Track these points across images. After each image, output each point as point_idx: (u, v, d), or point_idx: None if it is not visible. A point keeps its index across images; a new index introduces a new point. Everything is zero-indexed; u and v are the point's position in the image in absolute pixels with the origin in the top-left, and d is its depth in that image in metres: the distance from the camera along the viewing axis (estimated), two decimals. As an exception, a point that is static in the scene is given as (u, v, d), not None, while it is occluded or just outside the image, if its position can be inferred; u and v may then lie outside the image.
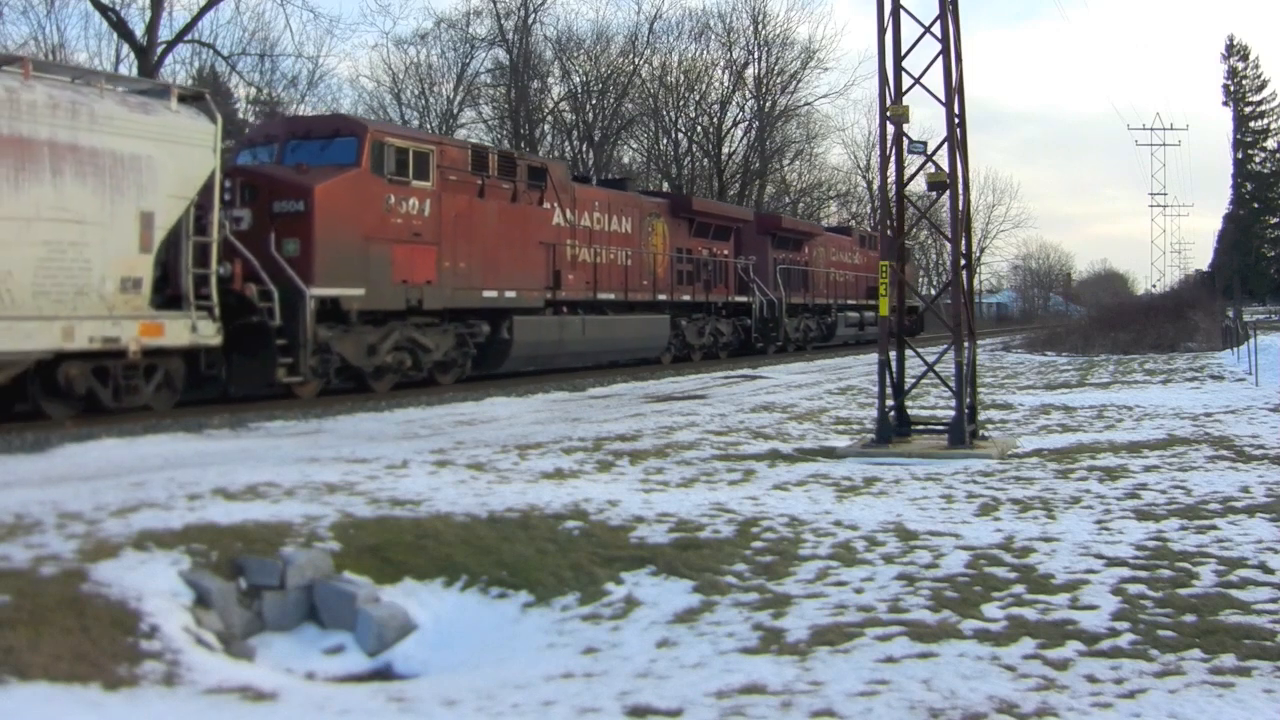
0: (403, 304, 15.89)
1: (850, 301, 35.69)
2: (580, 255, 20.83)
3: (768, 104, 50.28)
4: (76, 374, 11.85)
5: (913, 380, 12.07)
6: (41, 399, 11.86)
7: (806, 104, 52.20)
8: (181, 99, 13.03)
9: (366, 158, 15.25)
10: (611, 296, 21.81)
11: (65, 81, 11.98)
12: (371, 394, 15.43)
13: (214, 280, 13.05)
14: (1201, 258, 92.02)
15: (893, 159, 11.43)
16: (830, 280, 34.53)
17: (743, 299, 28.05)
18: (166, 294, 12.78)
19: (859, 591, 5.81)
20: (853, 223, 49.13)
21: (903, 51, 11.30)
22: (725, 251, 27.38)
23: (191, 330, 12.68)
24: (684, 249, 25.23)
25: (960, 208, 11.12)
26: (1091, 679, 4.48)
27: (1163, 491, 8.40)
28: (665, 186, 40.31)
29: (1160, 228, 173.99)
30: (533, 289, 18.77)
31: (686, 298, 25.18)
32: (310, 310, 13.94)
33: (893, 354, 11.50)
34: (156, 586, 5.43)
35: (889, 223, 11.95)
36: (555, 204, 19.82)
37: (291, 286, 13.81)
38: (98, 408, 12.10)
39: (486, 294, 17.61)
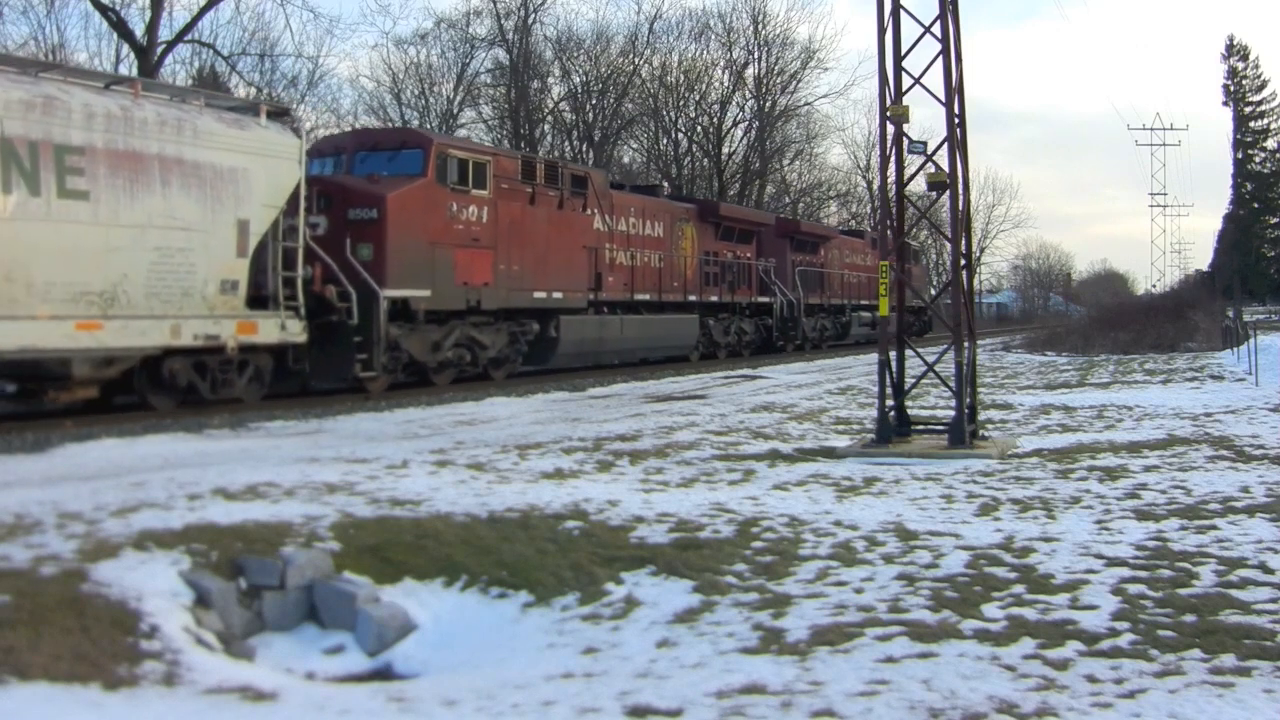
0: (463, 304, 17.07)
1: (864, 302, 36.17)
2: (618, 258, 22.05)
3: (768, 104, 50.28)
4: (179, 368, 12.95)
5: (913, 380, 12.07)
6: (148, 391, 12.93)
7: (806, 104, 52.23)
8: (269, 114, 14.14)
9: (432, 168, 16.37)
10: (646, 297, 23.01)
11: (165, 99, 13.03)
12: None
13: (300, 283, 14.13)
14: (1201, 258, 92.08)
15: (893, 159, 11.43)
16: (844, 281, 35.40)
17: (764, 299, 29.34)
18: (254, 295, 13.72)
19: (859, 591, 5.81)
20: (865, 226, 49.36)
21: (903, 51, 11.30)
22: (748, 254, 28.58)
23: (281, 329, 13.79)
24: (711, 252, 26.41)
25: (960, 208, 11.12)
26: (1091, 679, 4.48)
27: (1163, 491, 8.40)
28: (665, 186, 40.59)
29: (1160, 228, 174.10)
30: (577, 290, 19.97)
31: (714, 298, 26.40)
32: (384, 310, 15.02)
33: (893, 354, 11.50)
34: (156, 586, 5.43)
35: (889, 223, 11.95)
36: (596, 210, 21.05)
37: (366, 288, 14.79)
38: (197, 399, 13.18)
39: (536, 295, 18.78)
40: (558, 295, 19.28)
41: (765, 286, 29.41)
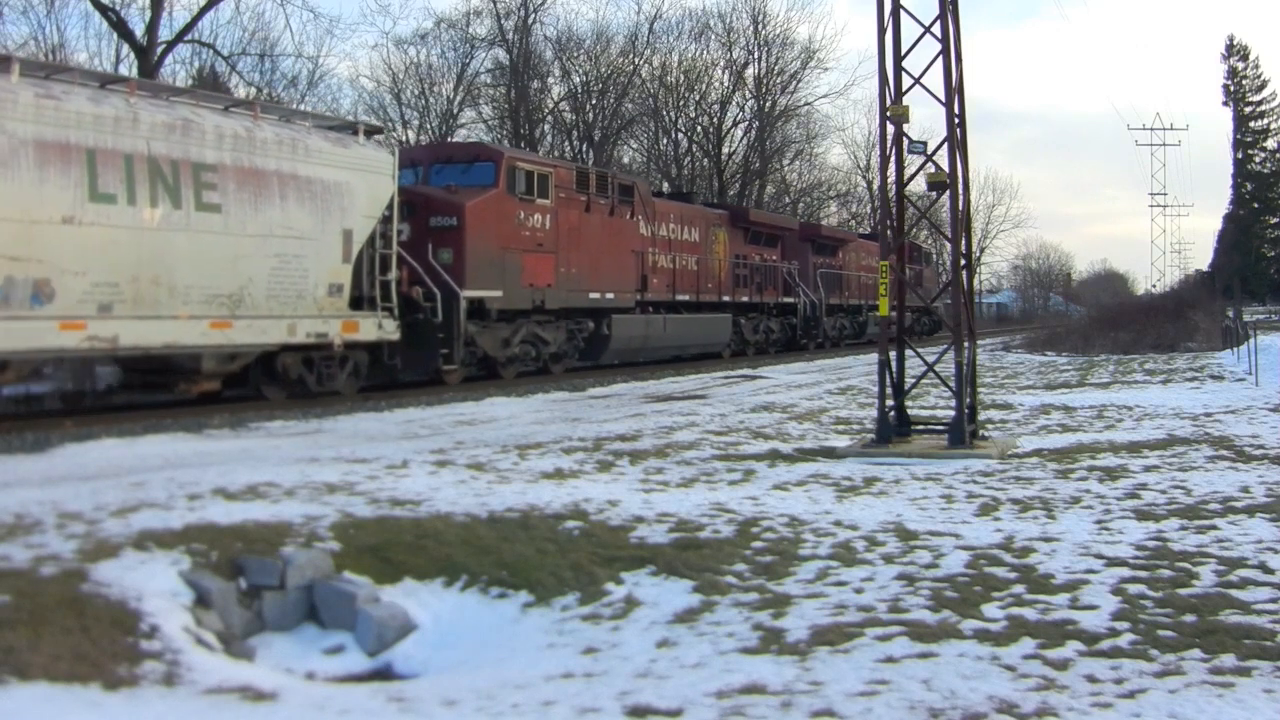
0: (529, 304, 18.69)
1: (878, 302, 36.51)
2: (660, 262, 23.58)
3: (768, 104, 50.25)
4: (291, 363, 14.45)
5: (913, 380, 12.07)
6: (262, 384, 14.44)
7: (806, 104, 52.18)
8: (365, 133, 15.79)
9: (503, 179, 17.99)
10: (686, 298, 24.61)
11: (276, 119, 14.46)
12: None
13: (394, 286, 15.54)
14: (1201, 258, 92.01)
15: (893, 159, 11.43)
16: (861, 283, 36.29)
17: (789, 300, 30.97)
18: (353, 296, 15.00)
19: (859, 591, 5.81)
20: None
21: (903, 51, 11.30)
22: (774, 257, 30.18)
23: (379, 327, 15.24)
24: (741, 255, 27.89)
25: (960, 208, 11.12)
26: (1091, 679, 4.48)
27: (1163, 491, 8.39)
28: (665, 187, 40.71)
29: (1160, 228, 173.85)
30: (625, 291, 21.71)
31: (744, 299, 28.01)
32: (463, 309, 16.52)
33: (893, 354, 11.49)
34: (156, 586, 5.43)
35: (889, 223, 11.95)
36: (641, 216, 22.67)
37: (447, 289, 16.25)
38: (304, 392, 14.61)
39: (592, 295, 20.46)
40: (610, 296, 20.98)
41: (789, 288, 31.02)
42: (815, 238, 33.46)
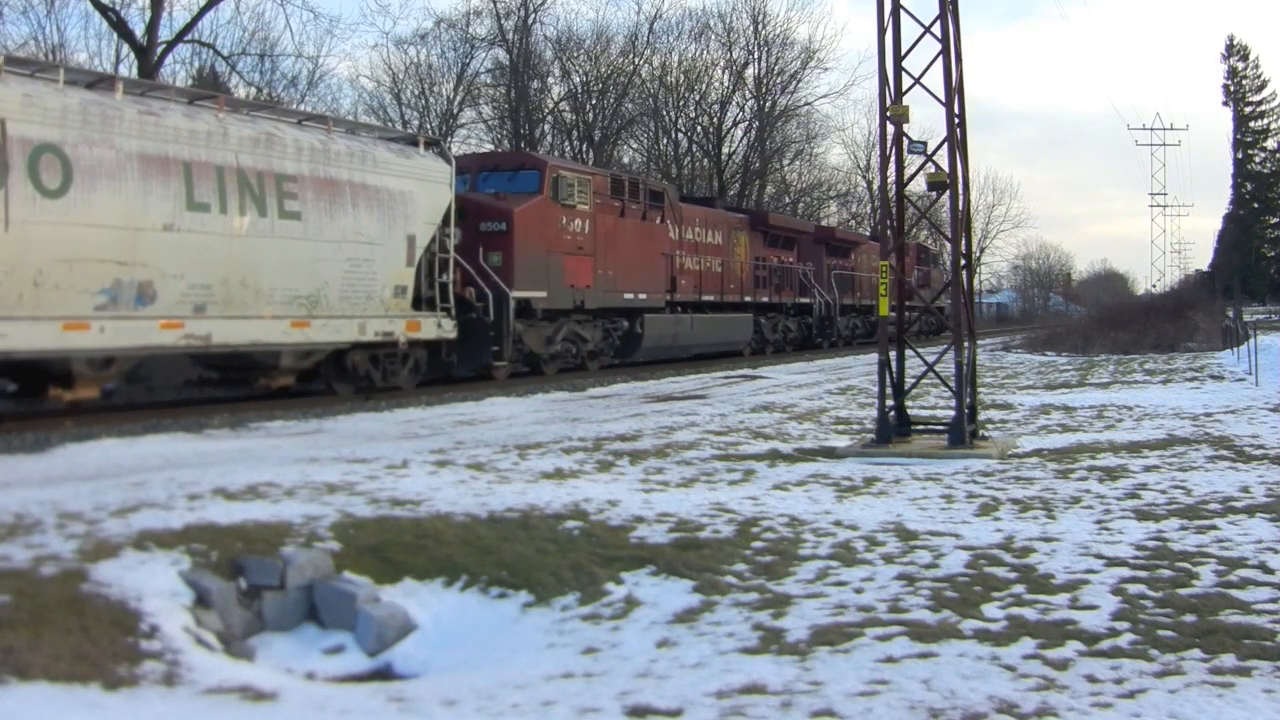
0: (570, 304, 19.87)
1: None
2: (687, 264, 24.78)
3: (768, 104, 50.25)
4: (360, 360, 15.57)
5: (913, 380, 12.06)
6: (333, 379, 15.56)
7: (806, 104, 52.19)
8: (425, 144, 16.84)
9: (547, 186, 19.14)
10: (710, 298, 25.84)
11: (343, 131, 15.54)
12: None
13: (451, 287, 16.61)
14: (1201, 258, 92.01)
15: (893, 159, 11.42)
16: (872, 284, 38.06)
17: (805, 300, 32.30)
18: (414, 297, 15.97)
19: (859, 591, 5.80)
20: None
21: (903, 51, 11.29)
22: (790, 259, 31.47)
23: (438, 326, 16.28)
24: (760, 257, 29.15)
25: (960, 208, 11.11)
26: (1091, 679, 4.48)
27: (1163, 491, 8.39)
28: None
29: (1160, 228, 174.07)
30: (656, 292, 22.86)
31: (764, 299, 29.35)
32: (512, 309, 17.52)
33: (893, 354, 11.49)
34: (156, 586, 5.43)
35: (889, 223, 11.95)
36: (669, 221, 23.87)
37: (498, 290, 17.28)
38: (369, 386, 15.71)
39: (626, 296, 21.65)
40: (642, 296, 22.17)
41: (805, 288, 32.26)
42: (829, 240, 34.67)
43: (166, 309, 12.47)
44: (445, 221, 16.51)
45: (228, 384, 15.51)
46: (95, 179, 11.80)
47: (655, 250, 22.93)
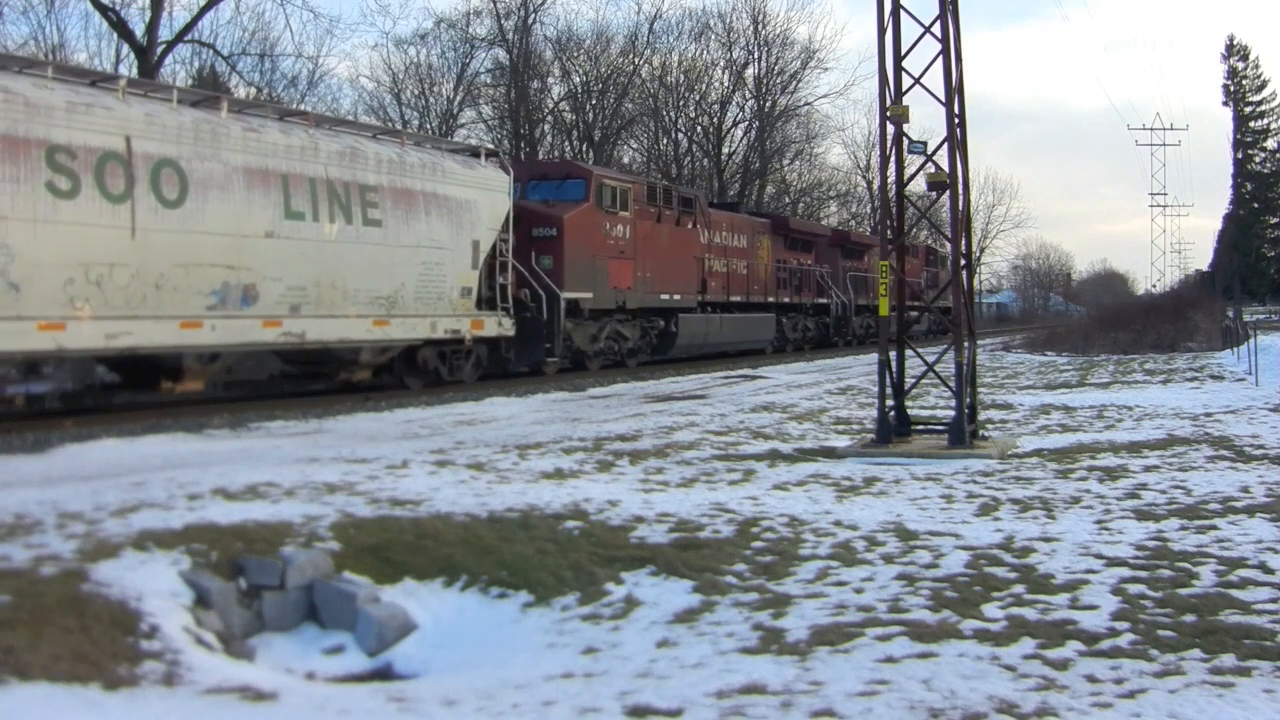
0: (613, 304, 21.39)
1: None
2: (715, 266, 26.17)
3: (768, 104, 50.27)
4: (429, 355, 16.92)
5: (913, 380, 12.06)
6: (405, 374, 16.77)
7: (806, 104, 52.25)
8: (486, 156, 18.30)
9: (592, 194, 20.62)
10: (737, 298, 27.37)
11: (411, 144, 16.84)
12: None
13: (510, 289, 18.02)
14: (1201, 258, 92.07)
15: (893, 159, 11.42)
16: None
17: (823, 300, 33.90)
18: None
19: (859, 591, 5.80)
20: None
21: (903, 51, 11.29)
22: (809, 261, 33.03)
23: (499, 325, 17.79)
24: (781, 260, 30.64)
25: (960, 208, 11.11)
26: (1091, 679, 4.48)
27: (1163, 491, 8.39)
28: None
29: (1160, 228, 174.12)
30: (689, 293, 24.49)
31: (786, 299, 30.92)
32: (563, 308, 18.88)
33: (893, 354, 11.49)
34: (156, 586, 5.42)
35: (889, 223, 11.95)
36: (699, 225, 25.31)
37: (549, 291, 18.66)
38: (437, 380, 17.07)
39: (662, 297, 23.20)
40: (676, 297, 23.75)
41: (823, 289, 33.82)
42: (844, 243, 36.00)
43: (267, 309, 13.73)
44: (504, 227, 17.84)
45: (308, 378, 16.64)
46: (207, 190, 12.98)
47: (688, 253, 24.43)
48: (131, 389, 13.83)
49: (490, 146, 22.47)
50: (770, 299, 29.52)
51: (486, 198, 17.39)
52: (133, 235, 12.13)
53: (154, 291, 12.35)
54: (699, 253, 25.07)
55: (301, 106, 30.11)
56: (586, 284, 20.07)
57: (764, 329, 29.20)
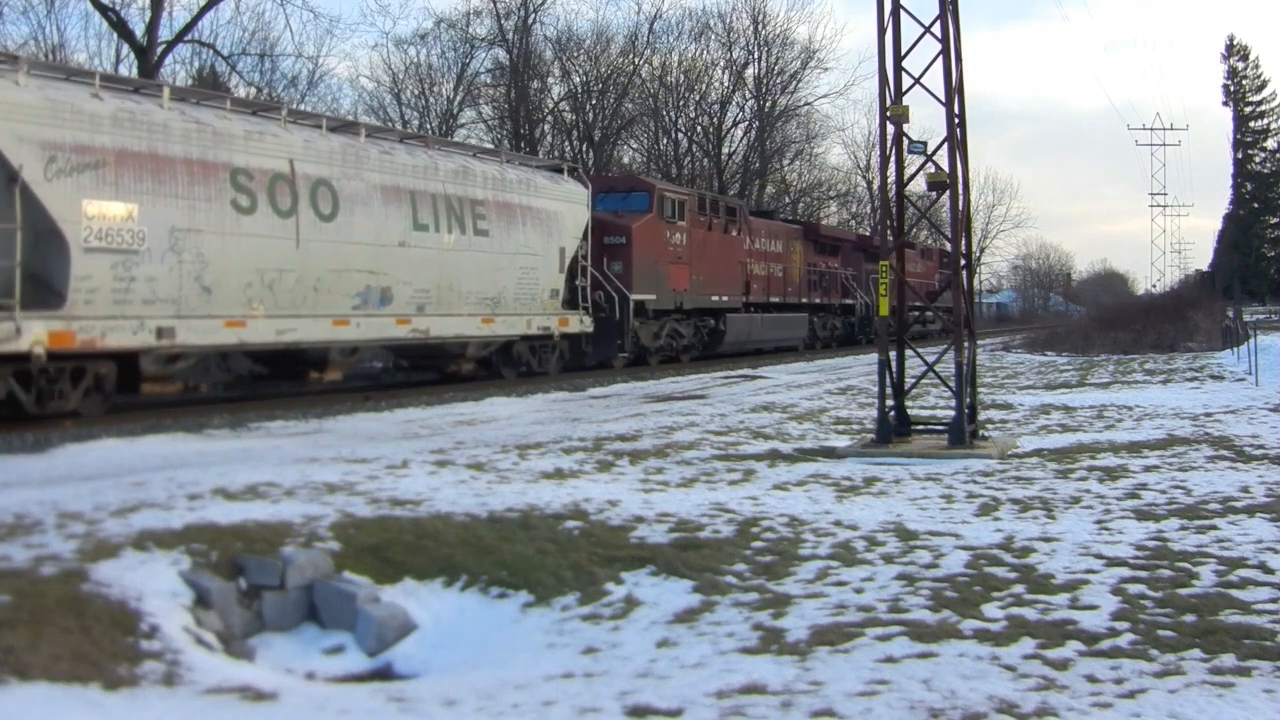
0: (672, 305, 23.81)
1: (916, 303, 38.47)
2: (756, 270, 28.56)
3: (768, 104, 50.27)
4: (523, 350, 19.32)
5: (913, 380, 12.06)
6: (502, 366, 19.05)
7: (806, 104, 52.25)
8: (568, 171, 20.90)
9: (655, 205, 23.07)
10: (775, 299, 29.78)
11: (507, 162, 19.21)
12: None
13: (588, 291, 20.45)
14: (1201, 258, 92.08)
15: (893, 159, 11.42)
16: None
17: (849, 301, 36.24)
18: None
19: (859, 591, 5.80)
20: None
21: (903, 51, 11.29)
22: (836, 265, 35.34)
23: (581, 323, 20.18)
24: (811, 264, 32.96)
25: (960, 208, 11.11)
26: (1091, 679, 4.48)
27: (1163, 491, 8.39)
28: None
29: (1160, 228, 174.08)
30: (735, 295, 26.86)
31: (816, 300, 33.28)
32: (631, 309, 21.39)
33: (893, 354, 11.49)
34: (156, 586, 5.42)
35: (889, 223, 11.95)
36: (743, 233, 27.65)
37: (620, 293, 21.17)
38: (529, 372, 19.28)
39: (713, 298, 25.57)
40: (724, 299, 26.14)
41: (848, 291, 36.02)
42: (868, 248, 37.10)
43: (400, 309, 15.89)
44: (584, 236, 20.16)
45: (416, 370, 18.92)
46: (354, 206, 15.07)
47: (733, 258, 26.83)
48: (279, 379, 16.01)
49: (569, 163, 24.62)
50: (803, 299, 31.79)
51: (570, 209, 19.72)
52: (297, 245, 14.17)
53: (313, 294, 14.43)
54: (742, 258, 27.39)
55: (301, 106, 30.13)
56: (651, 287, 22.30)
57: (799, 328, 31.58)
